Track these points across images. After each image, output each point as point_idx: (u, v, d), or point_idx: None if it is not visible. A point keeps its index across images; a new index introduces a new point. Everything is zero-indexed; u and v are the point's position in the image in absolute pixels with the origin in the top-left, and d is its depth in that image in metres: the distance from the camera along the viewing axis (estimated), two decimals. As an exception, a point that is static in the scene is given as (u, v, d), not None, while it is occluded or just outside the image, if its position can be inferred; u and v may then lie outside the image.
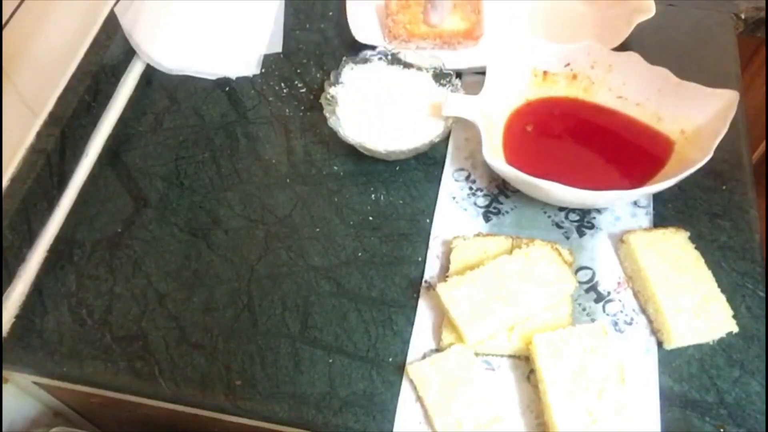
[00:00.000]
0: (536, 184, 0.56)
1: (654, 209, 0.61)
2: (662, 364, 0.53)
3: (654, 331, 0.55)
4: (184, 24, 0.77)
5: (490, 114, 0.63)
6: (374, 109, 0.67)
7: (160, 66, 0.76)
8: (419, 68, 0.69)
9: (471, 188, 0.64)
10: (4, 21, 0.59)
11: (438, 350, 0.55)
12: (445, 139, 0.67)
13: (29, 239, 0.63)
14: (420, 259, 0.60)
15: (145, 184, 0.68)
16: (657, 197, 0.62)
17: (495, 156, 0.59)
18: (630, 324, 0.55)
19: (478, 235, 0.60)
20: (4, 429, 0.63)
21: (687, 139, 0.61)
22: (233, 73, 0.75)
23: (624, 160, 0.63)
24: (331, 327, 0.57)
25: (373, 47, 0.70)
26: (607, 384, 0.49)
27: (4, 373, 0.61)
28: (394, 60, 0.69)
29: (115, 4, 0.74)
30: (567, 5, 0.76)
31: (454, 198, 0.64)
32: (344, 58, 0.69)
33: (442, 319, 0.55)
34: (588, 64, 0.65)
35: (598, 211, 0.62)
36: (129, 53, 0.75)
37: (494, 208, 0.63)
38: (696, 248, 0.56)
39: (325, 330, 0.57)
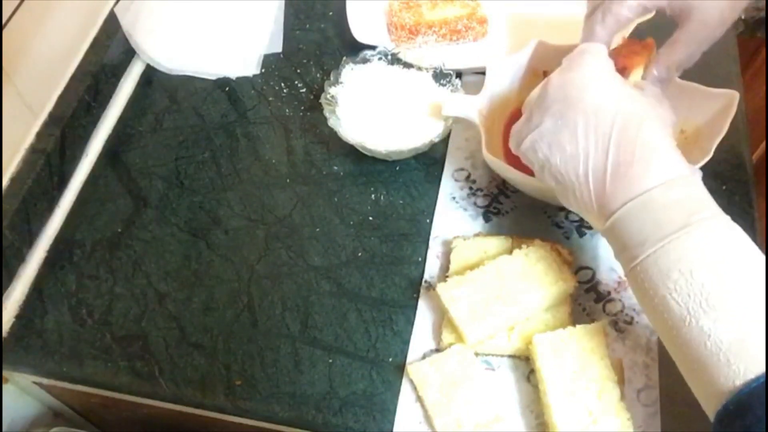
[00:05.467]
0: (536, 184, 0.56)
1: (654, 209, 0.61)
2: (662, 363, 0.53)
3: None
4: (184, 24, 0.77)
5: (490, 114, 0.63)
6: (374, 109, 0.67)
7: (160, 66, 0.76)
8: (419, 68, 0.69)
9: (471, 188, 0.64)
10: (4, 21, 0.59)
11: (438, 350, 0.55)
12: (445, 139, 0.67)
13: (29, 239, 0.63)
14: (420, 259, 0.60)
15: (145, 184, 0.68)
16: (657, 197, 0.62)
17: (495, 156, 0.59)
18: (630, 324, 0.55)
19: (478, 235, 0.60)
20: (4, 429, 0.63)
21: (687, 139, 0.60)
22: (233, 73, 0.75)
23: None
24: (331, 327, 0.57)
25: (373, 47, 0.70)
26: (607, 384, 0.49)
27: (4, 373, 0.61)
28: (394, 60, 0.69)
29: (115, 4, 0.74)
30: (567, 5, 0.76)
31: (454, 198, 0.64)
32: (344, 58, 0.69)
33: (442, 319, 0.55)
34: (588, 64, 0.65)
35: (598, 211, 0.62)
36: (129, 53, 0.75)
37: (494, 208, 0.63)
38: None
39: (325, 330, 0.57)
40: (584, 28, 0.53)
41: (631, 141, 0.44)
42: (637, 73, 0.55)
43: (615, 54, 0.54)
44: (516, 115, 0.65)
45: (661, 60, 0.52)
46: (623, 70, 0.54)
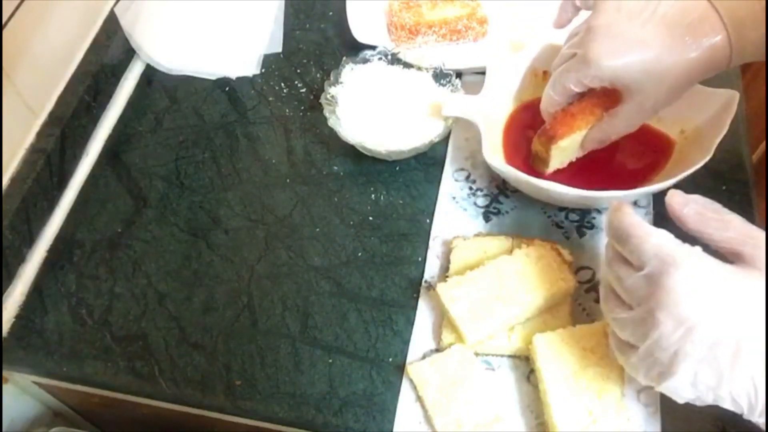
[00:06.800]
0: (536, 184, 0.56)
1: (654, 209, 0.61)
2: (662, 364, 0.53)
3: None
4: (184, 24, 0.77)
5: (490, 114, 0.63)
6: (374, 109, 0.67)
7: (160, 66, 0.76)
8: (419, 68, 0.69)
9: (471, 188, 0.64)
10: (4, 21, 0.59)
11: (438, 350, 0.55)
12: (445, 139, 0.67)
13: (29, 239, 0.63)
14: (420, 259, 0.60)
15: (145, 184, 0.68)
16: (657, 197, 0.62)
17: (495, 156, 0.59)
18: (630, 324, 0.55)
19: (478, 235, 0.60)
20: (4, 429, 0.63)
21: (687, 139, 0.60)
22: (233, 73, 0.75)
23: (624, 160, 0.63)
24: (331, 327, 0.57)
25: (373, 47, 0.70)
26: (607, 384, 0.49)
27: (4, 373, 0.61)
28: (394, 60, 0.69)
29: (115, 4, 0.74)
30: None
31: (454, 198, 0.64)
32: (344, 58, 0.69)
33: (442, 319, 0.55)
34: (588, 64, 0.65)
35: (598, 211, 0.62)
36: (129, 53, 0.75)
37: (494, 208, 0.63)
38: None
39: (325, 330, 0.57)
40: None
41: None
42: (574, 137, 0.57)
43: (562, 114, 0.57)
44: (516, 116, 0.65)
45: (602, 129, 0.56)
46: (551, 138, 0.57)
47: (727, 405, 0.41)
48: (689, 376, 0.40)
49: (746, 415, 0.41)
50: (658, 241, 0.42)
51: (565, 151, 0.58)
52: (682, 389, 0.41)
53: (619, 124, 0.55)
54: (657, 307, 0.40)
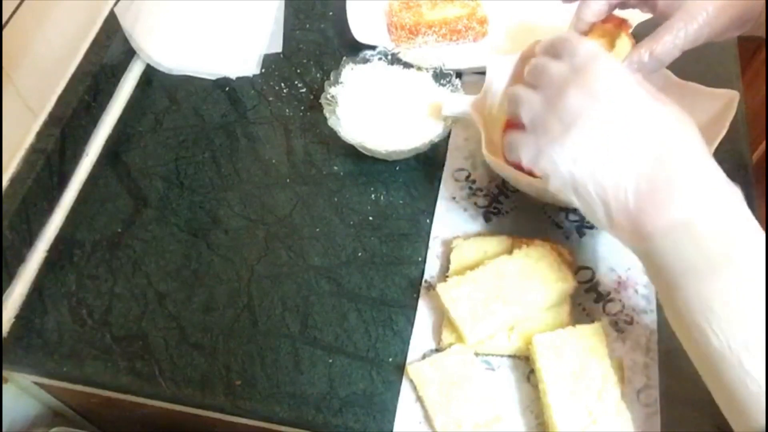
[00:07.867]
0: (536, 184, 0.56)
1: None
2: (662, 363, 0.53)
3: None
4: (184, 24, 0.77)
5: (490, 114, 0.63)
6: (374, 109, 0.67)
7: (160, 66, 0.76)
8: (419, 68, 0.69)
9: (471, 188, 0.64)
10: (4, 21, 0.59)
11: (438, 350, 0.55)
12: (445, 139, 0.67)
13: (29, 239, 0.63)
14: (420, 259, 0.60)
15: (145, 184, 0.68)
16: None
17: (495, 156, 0.59)
18: (630, 324, 0.55)
19: (478, 235, 0.60)
20: (4, 429, 0.64)
21: (687, 139, 0.60)
22: (233, 73, 0.75)
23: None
24: (331, 327, 0.57)
25: (373, 47, 0.70)
26: (607, 384, 0.49)
27: (4, 373, 0.61)
28: (394, 60, 0.69)
29: (115, 4, 0.74)
30: (567, 5, 0.76)
31: (454, 198, 0.64)
32: (344, 58, 0.69)
33: (442, 319, 0.55)
34: (588, 64, 0.65)
35: (598, 211, 0.62)
36: (129, 53, 0.75)
37: (494, 208, 0.63)
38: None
39: (325, 330, 0.57)
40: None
41: (676, 161, 0.41)
42: (629, 42, 0.56)
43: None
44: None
45: (641, 45, 0.54)
46: (622, 23, 0.57)
47: (590, 199, 0.43)
48: (575, 147, 0.42)
49: (600, 217, 0.43)
50: (594, 46, 0.44)
51: (621, 54, 0.55)
52: (561, 163, 0.43)
53: (660, 41, 0.52)
54: (572, 84, 0.43)
